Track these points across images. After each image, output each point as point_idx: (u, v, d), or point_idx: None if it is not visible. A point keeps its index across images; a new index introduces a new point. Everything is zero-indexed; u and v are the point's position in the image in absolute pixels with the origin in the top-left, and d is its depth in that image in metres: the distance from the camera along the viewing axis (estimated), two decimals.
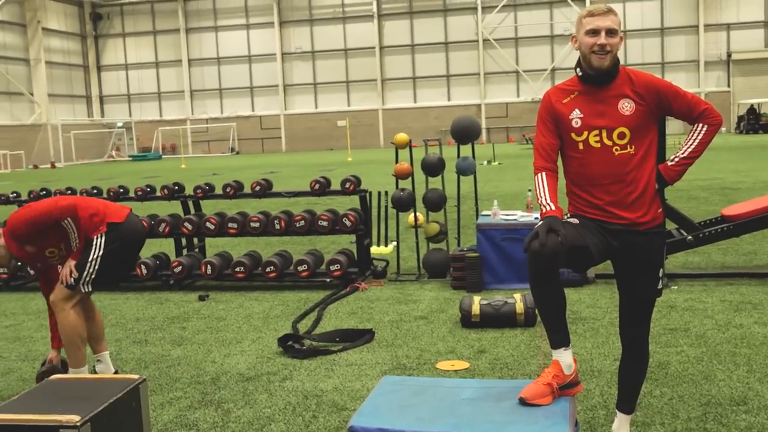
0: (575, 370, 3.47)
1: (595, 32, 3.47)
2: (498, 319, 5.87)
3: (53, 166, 45.63)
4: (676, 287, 6.92)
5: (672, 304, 6.31)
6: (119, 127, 54.99)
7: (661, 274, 3.61)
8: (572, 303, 6.48)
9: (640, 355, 3.71)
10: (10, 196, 9.14)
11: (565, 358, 3.43)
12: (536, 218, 7.43)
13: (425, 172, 8.04)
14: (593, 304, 6.43)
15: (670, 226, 7.34)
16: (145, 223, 8.14)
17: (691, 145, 3.55)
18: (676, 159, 3.57)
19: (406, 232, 9.99)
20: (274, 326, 6.26)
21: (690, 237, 7.17)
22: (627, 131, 3.45)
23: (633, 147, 3.46)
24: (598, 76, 3.50)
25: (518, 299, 5.94)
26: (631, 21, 48.72)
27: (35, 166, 45.05)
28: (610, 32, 3.46)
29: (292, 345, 5.52)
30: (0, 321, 6.88)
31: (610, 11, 3.50)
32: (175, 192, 8.55)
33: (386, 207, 9.31)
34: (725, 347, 5.16)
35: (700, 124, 3.54)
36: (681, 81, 48.49)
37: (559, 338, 3.46)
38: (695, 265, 7.92)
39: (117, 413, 3.46)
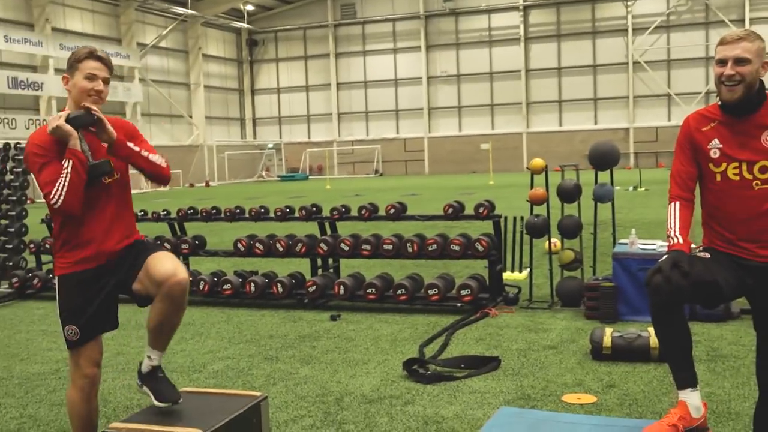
0: (704, 414, 3.28)
1: (722, 62, 3.27)
2: (630, 352, 5.64)
3: (207, 184, 47.97)
4: None
5: None
6: (269, 149, 57.16)
7: None
8: (713, 339, 6.15)
9: None
10: (161, 213, 9.61)
11: (692, 399, 3.25)
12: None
13: (561, 199, 7.88)
14: (736, 341, 6.07)
15: None
16: (282, 243, 8.40)
17: None
18: None
19: (541, 259, 9.80)
20: (401, 349, 6.28)
21: None
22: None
23: None
24: (738, 106, 3.29)
25: (653, 333, 5.69)
26: None
27: (191, 185, 47.46)
28: (739, 61, 3.22)
29: (416, 369, 5.52)
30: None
31: (742, 38, 3.25)
32: (312, 213, 8.78)
33: (521, 233, 9.18)
34: None
35: None
36: None
37: (685, 377, 3.28)
38: None
39: (238, 428, 3.57)
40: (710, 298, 3.37)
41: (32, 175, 3.79)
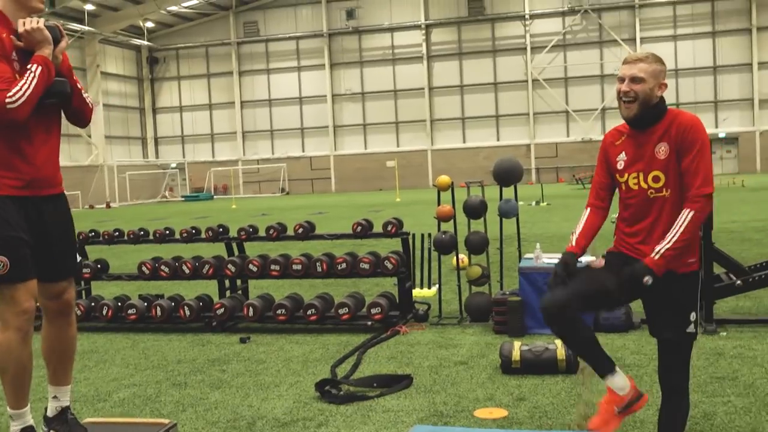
0: (632, 386, 3.59)
1: (621, 79, 3.52)
2: (539, 365, 5.76)
3: (108, 206, 46.65)
4: (724, 333, 6.72)
5: (720, 351, 6.13)
6: (173, 168, 56.11)
7: (693, 318, 3.55)
8: (616, 349, 6.34)
9: (677, 403, 3.64)
10: None
11: (615, 381, 3.62)
12: (580, 262, 7.30)
13: (467, 215, 8.00)
14: (638, 350, 6.28)
15: (719, 269, 7.17)
16: (189, 265, 8.23)
17: (674, 234, 3.42)
18: (661, 251, 3.43)
19: (449, 275, 9.93)
20: (312, 370, 6.23)
21: (739, 281, 6.99)
22: (661, 175, 3.50)
23: (668, 191, 3.49)
24: (635, 122, 3.55)
25: (559, 345, 5.83)
26: (682, 60, 48.32)
27: (91, 206, 46.08)
28: (635, 80, 3.46)
29: (329, 390, 5.49)
30: None
31: (641, 59, 3.49)
32: (219, 234, 8.63)
33: (429, 249, 9.27)
34: None
35: (687, 209, 3.42)
36: (735, 119, 47.92)
37: (602, 366, 3.59)
38: (746, 310, 7.70)
39: None
40: (603, 303, 3.83)
41: None
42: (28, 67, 3.44)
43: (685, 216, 3.41)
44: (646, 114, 3.49)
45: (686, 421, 3.66)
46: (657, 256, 3.43)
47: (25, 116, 3.41)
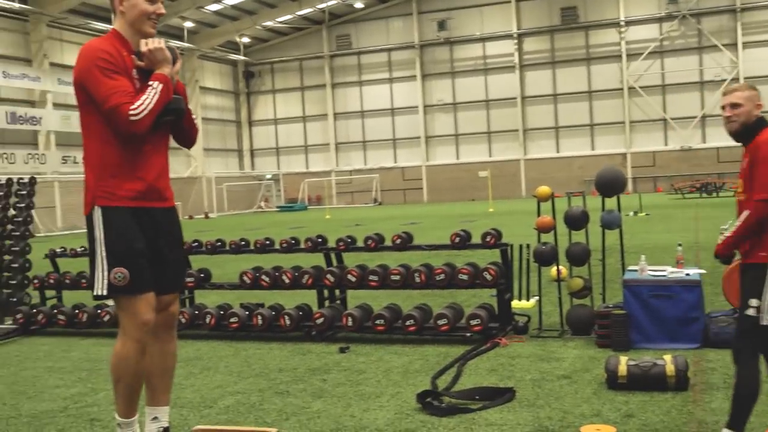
0: None
1: (723, 107, 4.21)
2: (647, 381, 5.57)
3: (207, 216, 47.94)
4: None
5: None
6: (268, 179, 57.27)
7: (753, 304, 4.00)
8: (728, 365, 6.08)
9: (736, 372, 4.17)
10: None
11: None
12: (687, 274, 7.07)
13: (568, 226, 7.85)
14: None
15: None
16: (289, 275, 8.35)
17: (734, 227, 4.10)
18: (722, 238, 4.21)
19: (549, 287, 9.76)
20: (413, 381, 6.21)
21: None
22: (741, 182, 4.16)
23: (744, 195, 4.13)
24: (737, 137, 4.18)
25: (669, 360, 5.63)
26: None
27: (190, 217, 47.42)
28: (733, 106, 4.13)
29: (431, 401, 5.46)
30: None
31: (735, 90, 4.16)
32: (318, 244, 8.73)
33: (528, 260, 9.14)
34: None
35: (746, 211, 4.01)
36: None
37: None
38: None
39: None
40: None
41: (85, 83, 3.61)
42: (150, 83, 3.61)
43: (744, 216, 4.03)
44: (744, 132, 4.09)
45: (738, 392, 4.08)
46: (719, 241, 4.24)
47: (145, 129, 3.57)
